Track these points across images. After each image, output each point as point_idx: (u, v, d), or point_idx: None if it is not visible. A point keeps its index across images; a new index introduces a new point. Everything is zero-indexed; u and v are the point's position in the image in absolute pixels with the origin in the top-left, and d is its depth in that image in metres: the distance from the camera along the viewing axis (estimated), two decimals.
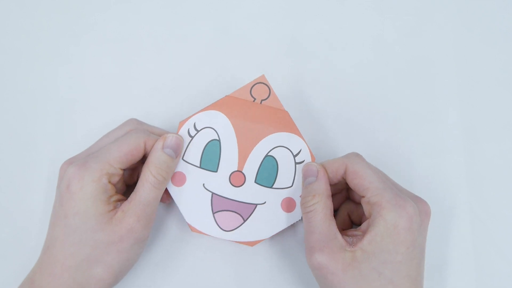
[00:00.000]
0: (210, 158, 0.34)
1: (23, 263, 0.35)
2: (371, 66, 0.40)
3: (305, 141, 0.35)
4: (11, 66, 0.40)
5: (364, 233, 0.30)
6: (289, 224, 0.34)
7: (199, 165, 0.34)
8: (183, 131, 0.34)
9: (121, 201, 0.32)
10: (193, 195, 0.34)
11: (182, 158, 0.34)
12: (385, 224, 0.29)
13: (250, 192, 0.34)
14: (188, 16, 0.41)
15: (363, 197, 0.31)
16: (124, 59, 0.40)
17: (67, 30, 0.41)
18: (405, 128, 0.39)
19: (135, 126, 0.34)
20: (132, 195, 0.31)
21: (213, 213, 0.34)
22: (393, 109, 0.40)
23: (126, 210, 0.30)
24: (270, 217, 0.34)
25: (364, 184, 0.31)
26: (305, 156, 0.34)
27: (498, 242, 0.38)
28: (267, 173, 0.34)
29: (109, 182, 0.31)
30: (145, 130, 0.34)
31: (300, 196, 0.33)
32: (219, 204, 0.34)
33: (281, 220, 0.34)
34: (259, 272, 0.37)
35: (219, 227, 0.34)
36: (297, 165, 0.34)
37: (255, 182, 0.34)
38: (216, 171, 0.34)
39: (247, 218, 0.34)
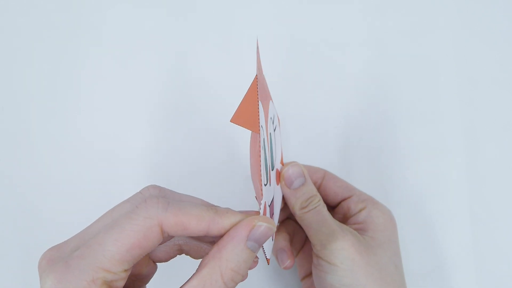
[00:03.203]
0: (266, 169, 0.26)
1: (23, 263, 0.35)
2: (370, 66, 0.40)
3: (272, 102, 0.30)
4: (11, 66, 0.40)
5: (363, 223, 0.31)
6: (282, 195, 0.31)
7: (266, 182, 0.25)
8: (262, 154, 0.24)
9: None
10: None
11: (263, 184, 0.25)
12: (383, 216, 0.31)
13: (272, 183, 0.28)
14: (189, 16, 0.41)
15: (349, 197, 0.33)
16: (124, 59, 0.40)
17: (67, 30, 0.41)
18: (405, 128, 0.39)
19: (153, 195, 0.24)
20: None
21: None
22: (393, 109, 0.40)
23: None
24: (276, 197, 0.30)
25: (349, 186, 0.33)
26: (276, 120, 0.31)
27: (498, 242, 0.38)
28: (273, 154, 0.29)
29: None
30: (163, 203, 0.22)
31: (290, 200, 0.30)
32: (269, 215, 0.27)
33: (279, 194, 0.31)
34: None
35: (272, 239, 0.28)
36: (275, 133, 0.30)
37: (272, 170, 0.29)
38: (267, 183, 0.26)
39: (273, 211, 0.29)
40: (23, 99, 0.40)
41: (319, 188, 0.34)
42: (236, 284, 0.22)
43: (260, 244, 0.22)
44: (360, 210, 0.32)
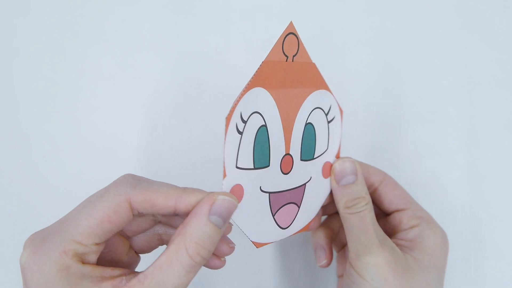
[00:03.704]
0: (262, 152, 0.26)
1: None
2: (370, 66, 0.40)
3: (332, 93, 0.30)
4: (11, 66, 0.40)
5: (411, 242, 0.29)
6: (329, 191, 0.30)
7: (253, 167, 0.26)
8: (231, 130, 0.25)
9: (122, 276, 0.22)
10: (252, 207, 0.26)
11: (236, 166, 0.25)
12: (435, 239, 0.29)
13: (298, 173, 0.28)
14: (189, 15, 0.41)
15: (405, 209, 0.31)
16: (125, 59, 0.40)
17: (68, 30, 0.41)
18: (405, 128, 0.39)
19: (125, 178, 0.24)
20: (148, 272, 0.22)
21: (273, 216, 0.28)
22: (393, 109, 0.40)
23: None
24: (317, 191, 0.30)
25: (407, 197, 0.31)
26: (335, 112, 0.30)
27: (498, 242, 0.38)
28: (309, 145, 0.29)
29: (84, 263, 0.22)
30: (132, 182, 0.24)
31: (336, 196, 0.29)
32: (276, 202, 0.27)
33: (324, 188, 0.30)
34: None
35: (279, 226, 0.28)
36: (329, 124, 0.30)
37: (301, 160, 0.28)
38: (269, 165, 0.26)
39: (301, 204, 0.29)
40: (22, 98, 0.40)
41: (374, 192, 0.32)
42: (204, 259, 0.22)
43: (224, 219, 0.23)
44: (412, 227, 0.30)
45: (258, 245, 0.27)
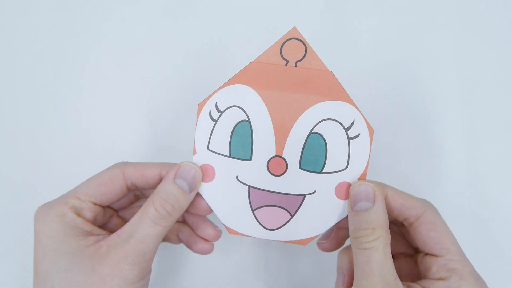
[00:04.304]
0: (241, 144, 0.28)
1: (23, 263, 0.35)
2: (370, 66, 0.40)
3: (358, 109, 0.27)
4: (11, 66, 0.40)
5: None
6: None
7: (228, 154, 0.28)
8: (204, 115, 0.28)
9: (106, 234, 0.27)
10: (226, 191, 0.28)
11: (208, 148, 0.28)
12: None
13: (294, 180, 0.28)
14: (188, 13, 0.41)
15: (438, 256, 0.26)
16: (125, 59, 0.40)
17: (68, 30, 0.41)
18: (405, 127, 0.39)
19: (122, 163, 0.29)
20: (124, 227, 0.26)
21: (253, 211, 0.28)
22: (392, 108, 0.40)
23: (112, 244, 0.25)
24: (323, 208, 0.28)
25: (444, 242, 0.26)
26: (360, 128, 0.27)
27: (498, 242, 0.38)
28: (314, 156, 0.27)
29: (79, 216, 0.26)
30: (126, 162, 0.29)
31: (349, 222, 0.27)
32: (258, 199, 0.28)
33: (337, 210, 0.28)
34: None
35: (262, 226, 0.28)
36: (351, 141, 0.27)
37: (300, 168, 0.28)
38: (250, 159, 0.28)
39: (295, 213, 0.28)
40: (22, 99, 0.40)
41: (409, 227, 0.28)
42: (168, 213, 0.26)
43: (188, 182, 0.26)
44: (439, 279, 0.26)
45: (230, 230, 0.28)
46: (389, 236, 0.25)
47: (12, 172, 0.38)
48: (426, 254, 0.27)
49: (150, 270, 0.27)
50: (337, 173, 0.28)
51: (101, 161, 0.38)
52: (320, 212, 0.28)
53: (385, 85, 0.40)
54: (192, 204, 0.28)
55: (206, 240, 0.31)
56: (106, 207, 0.29)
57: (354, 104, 0.27)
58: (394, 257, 0.30)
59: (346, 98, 0.27)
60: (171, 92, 0.40)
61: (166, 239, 0.32)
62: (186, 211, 0.28)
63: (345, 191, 0.28)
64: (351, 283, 0.29)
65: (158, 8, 0.41)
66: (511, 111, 0.40)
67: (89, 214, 0.27)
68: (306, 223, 0.28)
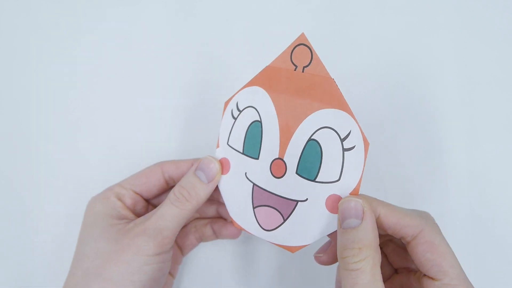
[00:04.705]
0: (253, 143, 0.29)
1: (23, 264, 0.35)
2: (370, 66, 0.40)
3: (355, 120, 0.26)
4: (12, 66, 0.40)
5: None
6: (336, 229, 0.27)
7: (242, 151, 0.29)
8: (227, 113, 0.30)
9: (136, 219, 0.31)
10: (236, 185, 0.30)
11: (227, 143, 0.30)
12: None
13: (290, 185, 0.27)
14: (190, 15, 0.41)
15: (435, 280, 0.25)
16: (127, 59, 0.40)
17: (69, 30, 0.41)
18: (405, 128, 0.39)
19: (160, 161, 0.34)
20: (151, 212, 0.30)
21: (254, 208, 0.29)
22: (393, 109, 0.40)
23: (137, 222, 0.29)
24: (313, 218, 0.27)
25: (442, 265, 0.25)
26: (355, 140, 0.26)
27: (498, 242, 0.38)
28: (310, 162, 0.27)
29: (120, 200, 0.31)
30: (166, 160, 0.33)
31: (337, 243, 0.25)
32: (259, 197, 0.29)
33: (326, 223, 0.27)
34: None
35: (259, 225, 0.29)
36: (345, 153, 0.26)
37: (296, 173, 0.27)
38: (258, 158, 0.28)
39: (287, 218, 0.28)
40: (24, 99, 0.40)
41: (407, 246, 0.26)
42: (185, 198, 0.29)
43: (205, 174, 0.29)
44: None
45: (235, 224, 0.30)
46: (379, 256, 0.24)
47: (12, 172, 0.38)
48: (424, 276, 0.26)
49: (169, 251, 0.29)
50: (329, 184, 0.27)
51: (101, 162, 0.38)
52: (310, 222, 0.27)
53: (385, 85, 0.40)
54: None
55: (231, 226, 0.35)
56: (148, 203, 0.34)
57: (352, 114, 0.26)
58: (398, 271, 0.30)
59: (345, 107, 0.26)
60: (172, 92, 0.40)
61: (204, 238, 0.36)
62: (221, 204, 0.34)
63: (335, 205, 0.27)
64: None
65: (159, 8, 0.41)
66: (511, 111, 0.40)
67: (129, 201, 0.31)
68: (296, 230, 0.28)
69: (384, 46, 0.41)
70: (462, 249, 0.37)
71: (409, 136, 0.39)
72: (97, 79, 0.40)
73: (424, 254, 0.25)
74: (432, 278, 0.25)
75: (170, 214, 0.28)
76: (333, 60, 0.40)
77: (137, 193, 0.32)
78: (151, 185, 0.32)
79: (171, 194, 0.29)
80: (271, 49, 0.40)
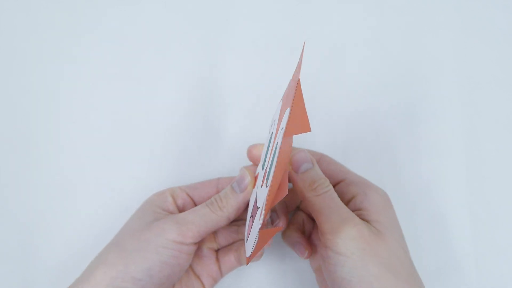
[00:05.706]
0: (263, 157, 0.30)
1: (23, 263, 0.35)
2: (370, 66, 0.40)
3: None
4: (12, 66, 0.40)
5: (364, 210, 0.30)
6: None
7: (262, 164, 0.30)
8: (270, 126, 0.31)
9: None
10: (251, 198, 0.30)
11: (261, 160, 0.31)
12: (381, 198, 0.30)
13: (262, 194, 0.26)
14: (190, 16, 0.41)
15: (343, 181, 0.32)
16: (127, 59, 0.40)
17: (69, 30, 0.41)
18: (405, 128, 0.39)
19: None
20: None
21: (248, 218, 0.30)
22: (393, 109, 0.40)
23: (171, 216, 0.31)
24: (256, 229, 0.25)
25: (342, 169, 0.33)
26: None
27: (498, 242, 0.38)
28: (271, 169, 0.25)
29: (172, 197, 0.33)
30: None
31: (299, 183, 0.30)
32: (253, 208, 0.29)
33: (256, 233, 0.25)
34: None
35: (246, 234, 0.30)
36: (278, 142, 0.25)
37: (265, 181, 0.26)
38: (262, 170, 0.29)
39: (252, 226, 0.27)
40: (25, 99, 0.40)
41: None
42: (217, 203, 0.30)
43: (238, 184, 0.31)
44: (355, 195, 0.31)
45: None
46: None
47: (12, 172, 0.38)
48: (334, 186, 0.31)
49: (190, 245, 0.30)
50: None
51: (103, 162, 0.38)
52: (253, 232, 0.26)
53: (385, 85, 0.40)
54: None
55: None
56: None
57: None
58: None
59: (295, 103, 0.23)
60: (182, 95, 0.40)
61: (242, 260, 0.35)
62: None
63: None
64: (310, 245, 0.33)
65: (159, 8, 0.41)
66: (511, 111, 0.40)
67: (180, 200, 0.34)
68: (250, 240, 0.27)
69: (384, 45, 0.41)
70: (463, 250, 0.37)
71: (409, 136, 0.39)
72: (97, 79, 0.40)
73: (328, 166, 0.33)
74: (340, 182, 0.32)
75: (201, 212, 0.31)
76: (332, 60, 0.41)
77: (190, 196, 0.34)
78: (204, 192, 0.34)
79: (209, 200, 0.32)
80: (275, 52, 0.41)
